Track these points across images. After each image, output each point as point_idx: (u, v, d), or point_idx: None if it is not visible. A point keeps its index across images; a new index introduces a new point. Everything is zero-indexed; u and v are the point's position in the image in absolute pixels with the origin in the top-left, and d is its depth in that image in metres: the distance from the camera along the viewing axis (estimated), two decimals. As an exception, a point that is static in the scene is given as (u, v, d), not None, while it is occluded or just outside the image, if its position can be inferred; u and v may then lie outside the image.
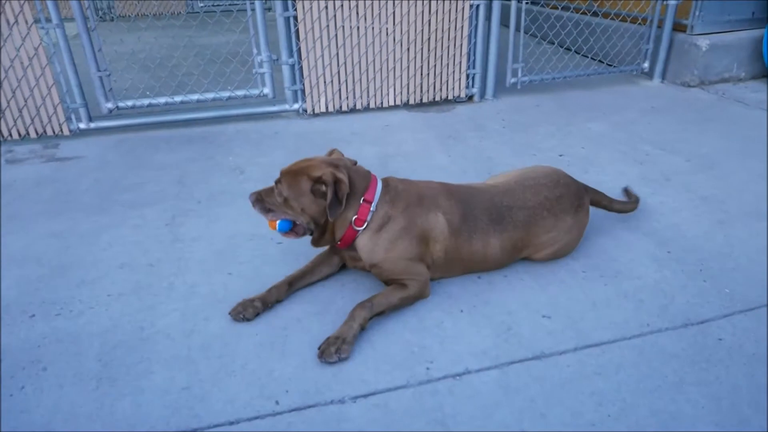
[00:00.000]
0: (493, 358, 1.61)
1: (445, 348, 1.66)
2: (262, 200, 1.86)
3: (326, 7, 3.40)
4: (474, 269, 1.97)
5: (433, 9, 3.57)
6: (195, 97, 3.52)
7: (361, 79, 3.68)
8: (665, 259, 2.04)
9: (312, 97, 3.65)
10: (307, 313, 1.83)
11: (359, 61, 3.61)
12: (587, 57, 4.78)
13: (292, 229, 1.89)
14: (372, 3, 3.46)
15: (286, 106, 3.69)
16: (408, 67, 3.71)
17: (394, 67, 3.70)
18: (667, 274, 1.96)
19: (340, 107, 3.74)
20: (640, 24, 4.23)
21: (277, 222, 1.87)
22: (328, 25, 3.46)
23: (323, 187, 1.76)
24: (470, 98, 3.97)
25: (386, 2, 3.48)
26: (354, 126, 3.56)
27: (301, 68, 3.57)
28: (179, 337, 1.74)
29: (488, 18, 3.74)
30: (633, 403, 1.44)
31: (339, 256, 2.01)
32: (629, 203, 2.28)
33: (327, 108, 3.71)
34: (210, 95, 3.54)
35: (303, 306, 1.87)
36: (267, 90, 3.58)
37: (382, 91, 3.76)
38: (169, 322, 1.80)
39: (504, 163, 2.92)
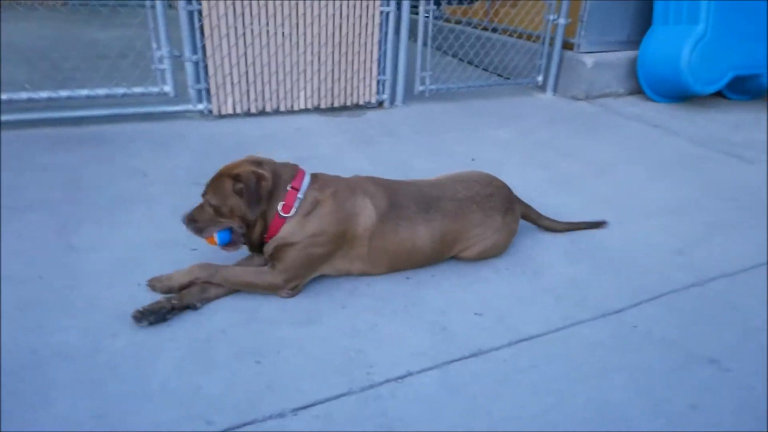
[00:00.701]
0: (432, 358, 1.59)
1: (383, 351, 1.61)
2: (194, 220, 1.79)
3: (233, 4, 3.24)
4: (402, 263, 1.95)
5: (344, 13, 3.54)
6: (84, 92, 3.16)
7: (270, 81, 3.55)
8: (578, 257, 2.17)
9: (218, 97, 3.45)
10: (232, 322, 1.69)
11: (269, 62, 3.48)
12: (486, 70, 5.04)
13: (231, 239, 1.84)
14: (282, 3, 3.36)
15: (190, 106, 3.44)
16: (319, 70, 3.65)
17: (305, 70, 3.61)
18: (580, 269, 2.09)
19: (248, 109, 3.57)
20: (534, 41, 4.54)
21: (215, 236, 1.80)
22: (235, 23, 3.29)
23: (242, 184, 1.69)
24: (380, 104, 3.99)
25: (296, 3, 3.39)
26: (264, 129, 3.41)
27: (206, 66, 3.35)
28: (82, 357, 1.52)
29: (398, 26, 3.79)
30: (569, 392, 1.49)
31: (261, 258, 1.91)
32: (556, 222, 2.31)
33: (234, 109, 3.52)
34: (102, 91, 3.20)
35: (226, 314, 1.72)
36: (168, 88, 3.32)
37: (292, 93, 3.65)
38: (66, 341, 1.57)
39: (420, 166, 2.95)
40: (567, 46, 4.45)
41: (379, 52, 3.77)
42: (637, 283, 2.00)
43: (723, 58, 4.00)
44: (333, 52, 3.63)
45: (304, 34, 3.50)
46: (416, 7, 3.93)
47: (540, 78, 4.51)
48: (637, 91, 4.58)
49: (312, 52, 3.57)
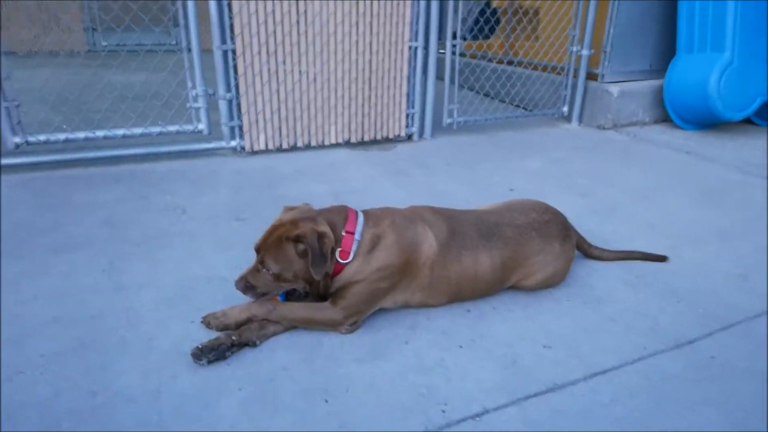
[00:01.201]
0: (507, 393, 1.51)
1: (454, 387, 1.53)
2: (252, 286, 1.72)
3: (266, 43, 3.29)
4: (464, 292, 1.88)
5: (374, 49, 3.59)
6: (120, 132, 3.19)
7: (302, 117, 3.57)
8: (637, 284, 2.10)
9: (251, 134, 3.47)
10: (293, 360, 1.62)
11: (300, 98, 3.51)
12: (510, 104, 5.08)
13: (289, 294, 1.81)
14: (314, 40, 3.41)
15: (223, 143, 3.46)
16: (350, 105, 3.67)
17: (336, 105, 3.63)
18: (642, 297, 2.01)
19: (280, 145, 3.58)
20: (557, 73, 4.58)
21: (278, 296, 1.79)
22: (268, 62, 3.34)
23: (305, 245, 1.65)
24: (410, 137, 4.00)
25: (328, 40, 3.45)
26: (297, 164, 3.41)
27: (239, 104, 3.39)
28: (143, 399, 1.45)
29: (425, 60, 3.83)
30: (653, 426, 1.40)
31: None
32: (608, 251, 2.26)
33: (267, 146, 3.54)
34: (138, 130, 3.23)
35: (286, 352, 1.66)
36: (202, 125, 3.34)
37: (324, 128, 3.67)
38: (127, 383, 1.51)
39: (458, 196, 2.92)
40: (590, 76, 4.47)
41: (408, 86, 3.80)
42: (705, 311, 1.92)
43: (751, 84, 4.00)
44: (363, 88, 3.66)
45: (335, 70, 3.54)
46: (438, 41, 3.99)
47: (565, 108, 4.52)
48: (663, 119, 4.57)
49: (343, 88, 3.60)
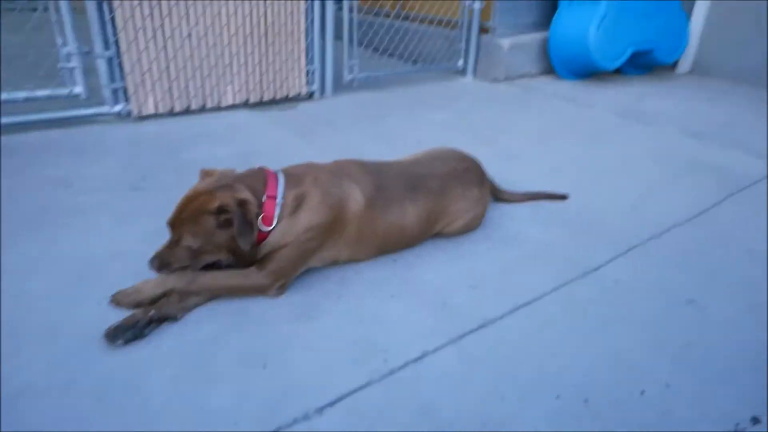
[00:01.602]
0: (443, 335, 1.55)
1: (392, 335, 1.54)
2: (168, 263, 1.56)
3: (147, -7, 2.97)
4: (391, 245, 1.90)
5: (268, 1, 3.38)
6: (-25, 99, 2.74)
7: (194, 76, 3.30)
8: (545, 222, 2.24)
9: (138, 96, 3.15)
10: (222, 329, 1.54)
11: (191, 55, 3.24)
12: (410, 60, 5.08)
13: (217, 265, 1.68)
14: (201, -9, 3.13)
15: (106, 108, 3.11)
16: (246, 62, 3.46)
17: (231, 63, 3.40)
18: (551, 233, 2.15)
19: (172, 108, 3.30)
20: (452, 28, 4.64)
21: None
22: (152, 12, 3.02)
23: (228, 215, 1.54)
24: (311, 96, 3.87)
25: (217, -9, 3.19)
26: (194, 128, 3.17)
27: (120, 63, 3.04)
28: (56, 393, 1.30)
29: (323, 12, 3.69)
30: (580, 347, 1.53)
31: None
32: (516, 194, 2.38)
33: (157, 109, 3.24)
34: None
35: (212, 321, 1.57)
36: (79, 89, 2.97)
37: (219, 88, 3.43)
38: (31, 377, 1.33)
39: (371, 151, 2.89)
40: (483, 30, 4.59)
41: (306, 41, 3.65)
42: (606, 241, 2.10)
43: (623, 35, 4.34)
44: (259, 44, 3.45)
45: (227, 24, 3.30)
46: (337, -6, 3.85)
47: (461, 62, 4.62)
48: (548, 71, 4.84)
49: (237, 44, 3.37)
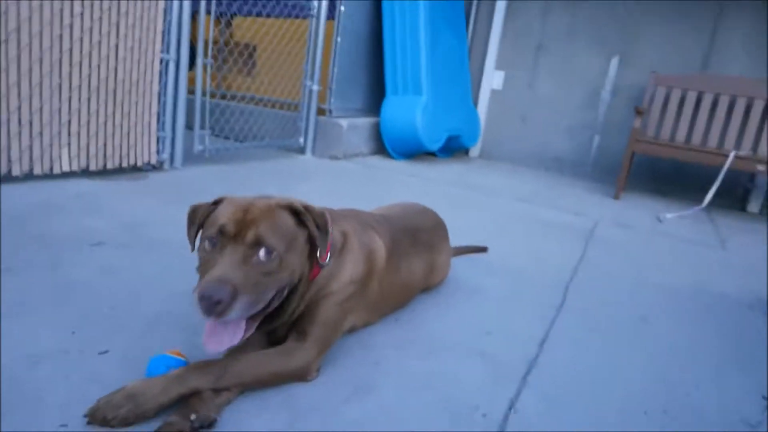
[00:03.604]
0: (508, 382, 1.45)
1: (465, 392, 1.37)
2: (241, 288, 1.08)
3: (-37, 23, 2.25)
4: (399, 303, 1.73)
5: (121, 55, 2.90)
6: None
7: (20, 133, 2.55)
8: (488, 272, 2.33)
9: (-67, 156, 2.26)
10: (281, 426, 1.15)
11: (19, 107, 2.51)
12: (254, 140, 4.87)
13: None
14: (41, 31, 2.52)
15: None
16: (89, 122, 2.84)
17: (70, 121, 2.75)
18: (503, 280, 2.24)
19: (-15, 174, 2.46)
20: (293, 110, 4.68)
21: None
22: (-33, 49, 2.28)
23: (303, 216, 1.24)
24: (159, 166, 3.35)
25: (61, 34, 2.60)
26: (28, 197, 2.41)
27: None
28: None
29: (176, 76, 3.32)
30: (617, 360, 1.61)
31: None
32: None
33: (-38, 174, 2.37)
34: None
35: (261, 420, 1.16)
36: None
37: (52, 151, 2.71)
38: None
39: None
40: (320, 111, 4.75)
41: (158, 105, 3.20)
42: (546, 282, 2.29)
43: (440, 122, 5.02)
44: (107, 102, 2.89)
45: (70, 75, 2.69)
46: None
47: (301, 140, 4.65)
48: (378, 151, 5.23)
49: (79, 99, 2.76)
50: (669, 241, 3.28)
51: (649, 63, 5.20)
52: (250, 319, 1.17)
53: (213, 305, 1.03)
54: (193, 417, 1.04)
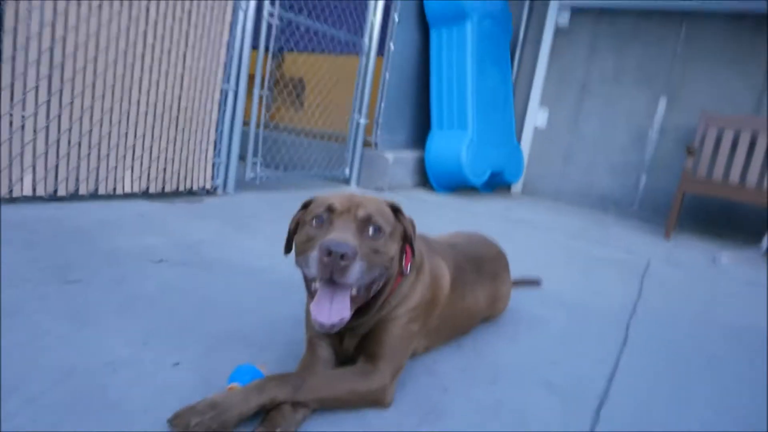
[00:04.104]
0: (579, 414, 1.39)
1: (537, 424, 1.32)
2: (360, 254, 1.11)
3: (51, 49, 2.40)
4: (461, 331, 1.70)
5: (186, 84, 3.04)
6: None
7: (89, 156, 2.67)
8: (543, 304, 2.27)
9: (9, 173, 2.38)
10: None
11: (90, 131, 2.64)
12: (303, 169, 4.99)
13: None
14: (116, 60, 2.66)
15: (-38, 185, 2.26)
16: (151, 147, 2.95)
17: (134, 145, 2.87)
18: (559, 312, 2.18)
19: (55, 191, 2.57)
20: (337, 141, 4.78)
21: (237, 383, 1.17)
22: (50, 74, 2.42)
23: (401, 213, 1.31)
24: (213, 191, 3.45)
25: (133, 62, 2.75)
26: (92, 214, 2.50)
27: (-5, 129, 2.31)
28: None
29: (234, 106, 3.45)
30: (690, 381, 1.52)
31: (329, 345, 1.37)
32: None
33: (34, 191, 2.48)
34: None
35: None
36: (-71, 155, 2.12)
37: (116, 173, 2.82)
38: None
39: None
40: (366, 144, 4.83)
41: (216, 133, 3.32)
42: (603, 317, 2.21)
43: (485, 157, 5.03)
44: (169, 128, 3.01)
45: (138, 102, 2.82)
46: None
47: (347, 171, 4.72)
48: (421, 184, 5.25)
49: (145, 125, 2.89)
50: (727, 282, 3.14)
51: (697, 104, 5.13)
52: (351, 301, 1.17)
53: (338, 259, 1.05)
54: (278, 431, 1.02)
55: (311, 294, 1.19)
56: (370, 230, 1.17)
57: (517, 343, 1.80)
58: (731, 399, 1.61)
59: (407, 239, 1.32)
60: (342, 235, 1.10)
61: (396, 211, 1.30)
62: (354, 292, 1.16)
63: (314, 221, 1.19)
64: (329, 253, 1.05)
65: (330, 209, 1.18)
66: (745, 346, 2.10)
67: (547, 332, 1.95)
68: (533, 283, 2.53)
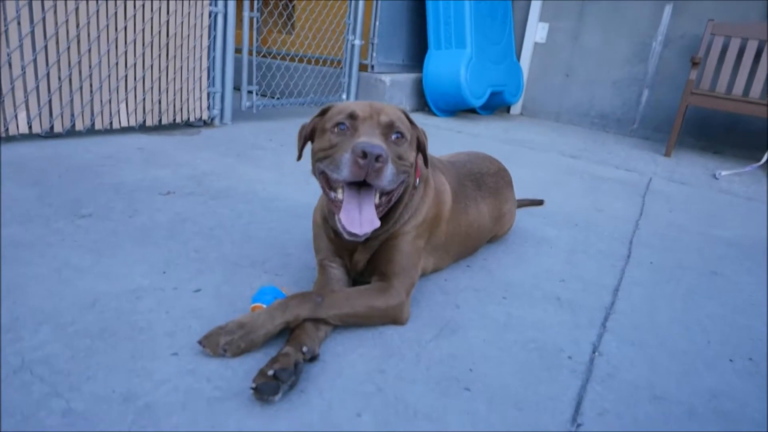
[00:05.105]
0: (587, 327, 1.45)
1: (548, 335, 1.38)
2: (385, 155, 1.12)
3: (25, -24, 2.26)
4: (468, 249, 1.73)
5: (171, 8, 2.89)
6: None
7: (82, 89, 2.59)
8: (551, 223, 2.31)
9: (3, 111, 2.32)
10: (376, 362, 1.17)
11: (79, 63, 2.54)
12: (298, 97, 4.86)
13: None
14: (96, -16, 2.52)
15: (-44, 124, 2.21)
16: (144, 78, 2.86)
17: (126, 76, 2.78)
18: (567, 232, 2.21)
19: (51, 128, 2.52)
20: (332, 65, 4.62)
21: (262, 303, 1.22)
22: (30, 3, 2.30)
23: (413, 123, 1.33)
24: (210, 122, 3.38)
25: (116, -13, 2.60)
26: (94, 149, 2.47)
27: (-19, 63, 2.23)
28: None
29: (225, 30, 3.31)
30: (692, 306, 1.59)
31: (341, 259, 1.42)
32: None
33: (30, 128, 2.43)
34: None
35: (355, 356, 1.19)
36: None
37: (111, 107, 2.75)
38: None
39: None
40: (362, 67, 4.68)
41: (208, 60, 3.20)
42: (609, 234, 2.26)
43: (484, 77, 4.89)
44: (159, 57, 2.90)
45: (125, 29, 2.70)
46: (232, 14, 3.50)
47: (344, 96, 4.61)
48: (420, 107, 5.16)
49: (135, 55, 2.78)
50: (728, 198, 3.17)
51: (704, 11, 4.93)
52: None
53: (373, 161, 1.07)
54: (305, 349, 1.07)
55: (333, 203, 1.20)
56: (393, 136, 1.19)
57: (524, 262, 1.84)
58: (737, 310, 1.68)
59: (420, 147, 1.33)
60: (370, 138, 1.11)
61: (409, 119, 1.31)
62: (377, 200, 1.19)
63: (336, 128, 1.19)
64: (364, 155, 1.06)
65: (352, 116, 1.19)
66: (745, 257, 2.15)
67: (553, 250, 2.00)
68: (536, 203, 2.55)
